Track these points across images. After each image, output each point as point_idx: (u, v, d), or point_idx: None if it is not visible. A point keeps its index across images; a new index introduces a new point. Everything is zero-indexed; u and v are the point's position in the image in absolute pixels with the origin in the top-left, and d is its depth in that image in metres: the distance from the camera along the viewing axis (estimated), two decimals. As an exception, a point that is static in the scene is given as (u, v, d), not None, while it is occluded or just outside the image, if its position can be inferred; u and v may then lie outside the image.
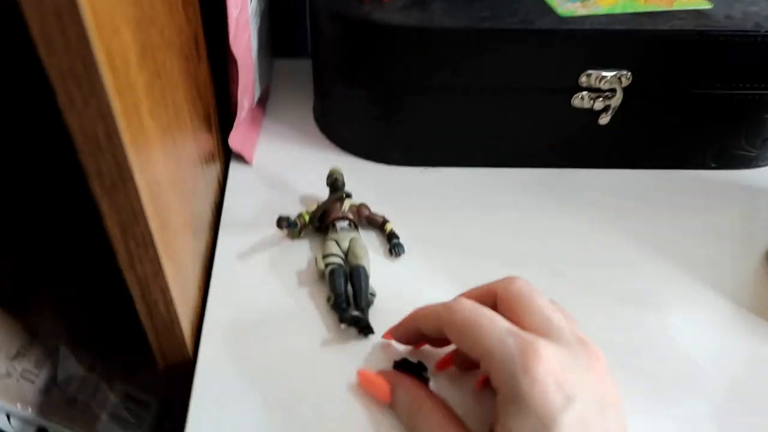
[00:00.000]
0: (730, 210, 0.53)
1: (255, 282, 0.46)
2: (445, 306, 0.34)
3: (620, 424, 0.31)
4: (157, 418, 0.53)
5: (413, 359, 0.40)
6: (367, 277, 0.44)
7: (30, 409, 0.46)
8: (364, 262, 0.44)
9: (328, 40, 0.52)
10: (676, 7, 0.50)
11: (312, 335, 0.43)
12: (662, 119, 0.53)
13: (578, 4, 0.50)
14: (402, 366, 0.40)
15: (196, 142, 0.45)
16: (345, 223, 0.48)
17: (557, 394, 0.29)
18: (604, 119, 0.52)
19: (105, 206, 0.32)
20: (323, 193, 0.51)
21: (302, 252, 0.48)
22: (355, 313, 0.42)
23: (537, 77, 0.50)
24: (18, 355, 0.48)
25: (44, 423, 0.47)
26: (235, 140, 0.54)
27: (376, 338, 0.42)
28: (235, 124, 0.53)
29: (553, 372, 0.29)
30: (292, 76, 0.68)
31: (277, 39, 0.68)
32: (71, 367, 0.50)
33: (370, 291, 0.44)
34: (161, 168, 0.35)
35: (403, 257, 0.48)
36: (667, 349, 0.42)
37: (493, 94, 0.51)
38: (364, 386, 0.38)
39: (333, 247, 0.46)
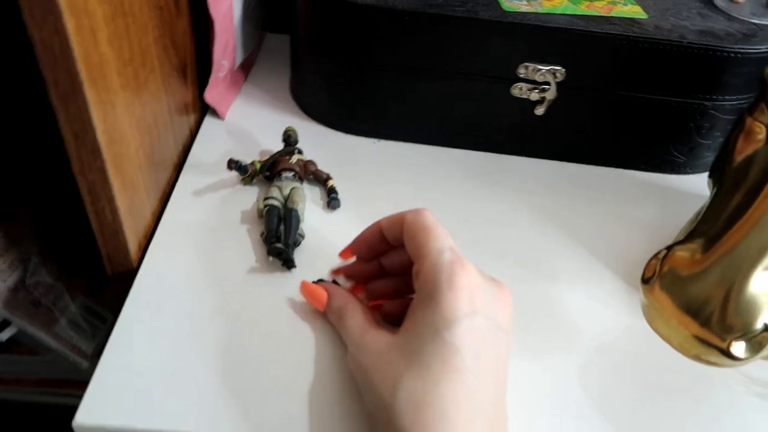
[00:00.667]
0: (647, 208, 0.57)
1: (204, 215, 0.52)
2: (412, 211, 0.39)
3: (506, 349, 0.36)
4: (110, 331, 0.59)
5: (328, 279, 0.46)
6: (298, 220, 0.49)
7: (-3, 304, 0.53)
8: (298, 208, 0.50)
9: (299, 13, 0.58)
10: (613, 14, 0.55)
11: (244, 263, 0.49)
12: (595, 117, 0.58)
13: (524, 2, 0.55)
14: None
15: (166, 86, 0.51)
16: (290, 174, 0.54)
17: (466, 303, 0.34)
18: (539, 110, 0.57)
19: (61, 115, 0.38)
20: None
21: (250, 196, 0.54)
22: (279, 245, 0.47)
23: (480, 65, 0.55)
24: (-6, 257, 0.55)
25: (8, 316, 0.53)
26: (210, 95, 0.60)
27: (297, 272, 0.48)
28: (210, 80, 0.59)
29: (470, 287, 0.35)
30: (280, 50, 0.74)
31: (270, 13, 0.74)
32: (40, 274, 0.56)
33: (299, 233, 0.49)
34: (117, 93, 0.42)
35: (338, 211, 0.54)
36: (563, 315, 0.47)
37: (443, 77, 0.56)
38: (304, 294, 0.44)
39: (274, 192, 0.51)
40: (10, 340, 0.54)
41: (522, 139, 0.60)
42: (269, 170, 0.54)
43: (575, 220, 0.55)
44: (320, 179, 0.55)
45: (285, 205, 0.51)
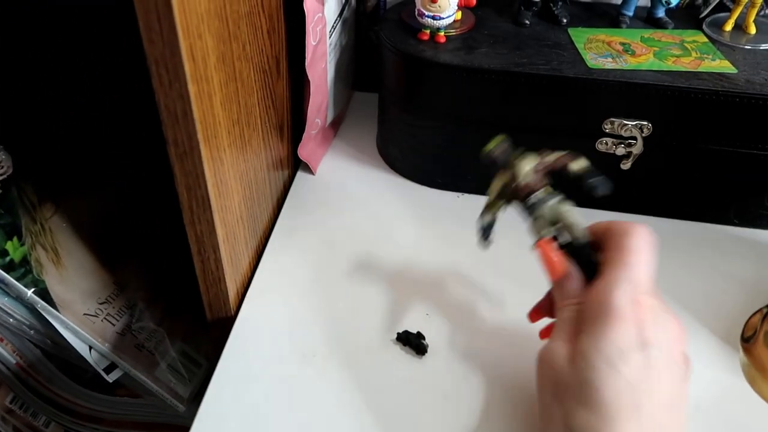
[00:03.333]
0: (742, 264, 0.56)
1: (296, 266, 0.54)
2: (633, 225, 0.39)
3: (682, 382, 0.35)
4: (205, 378, 0.62)
5: (413, 330, 0.47)
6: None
7: (107, 345, 0.56)
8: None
9: (389, 71, 0.61)
10: (701, 69, 0.55)
11: (332, 311, 0.50)
12: (684, 171, 0.57)
13: (609, 59, 0.56)
14: (402, 338, 0.47)
15: (265, 143, 0.55)
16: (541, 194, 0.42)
17: (634, 335, 0.34)
18: (625, 165, 0.57)
19: (177, 170, 0.42)
20: (375, 206, 0.59)
21: (335, 241, 0.57)
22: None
23: (565, 120, 0.56)
24: (106, 302, 0.59)
25: (115, 359, 0.57)
26: (303, 151, 0.64)
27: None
28: (303, 137, 0.62)
29: (638, 318, 0.34)
30: (368, 108, 0.77)
31: (359, 73, 0.78)
32: (145, 319, 0.60)
33: None
34: (226, 150, 0.45)
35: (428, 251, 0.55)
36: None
37: (525, 132, 0.57)
38: (543, 258, 0.40)
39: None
40: (115, 382, 0.58)
41: (609, 194, 0.60)
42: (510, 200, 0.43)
43: (669, 277, 0.54)
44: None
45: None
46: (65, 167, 0.65)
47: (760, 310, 0.37)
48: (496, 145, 0.44)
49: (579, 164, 0.42)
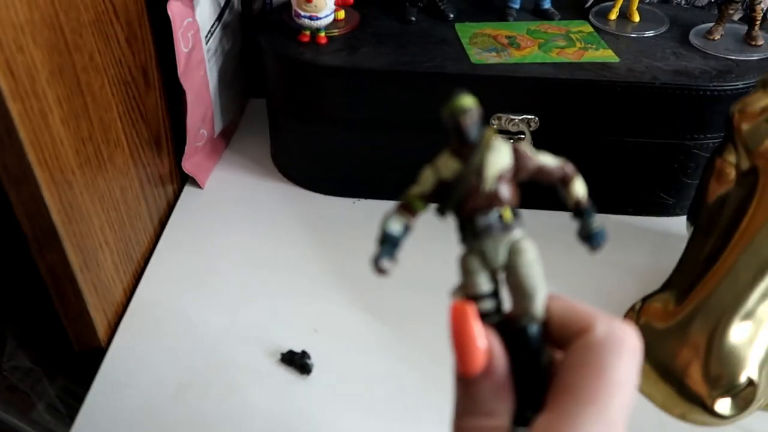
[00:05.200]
0: (636, 252, 0.55)
1: (175, 290, 0.51)
2: (617, 326, 0.23)
3: None
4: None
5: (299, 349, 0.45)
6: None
7: (-27, 390, 0.52)
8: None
9: (271, 76, 0.58)
10: (584, 59, 0.54)
11: (215, 342, 0.47)
12: (575, 164, 0.56)
13: (493, 53, 0.55)
14: (287, 358, 0.44)
15: (136, 159, 0.51)
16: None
17: None
18: (517, 160, 0.56)
19: (13, 197, 0.38)
20: (267, 220, 0.56)
21: (225, 270, 0.53)
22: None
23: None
24: (-28, 342, 0.54)
25: (-17, 403, 0.52)
26: (188, 164, 0.60)
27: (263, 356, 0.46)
28: (186, 149, 0.59)
29: None
30: (262, 115, 0.74)
31: (252, 79, 0.75)
32: (18, 358, 0.55)
33: None
34: (75, 172, 0.41)
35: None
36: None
37: (414, 132, 0.55)
38: (455, 329, 0.22)
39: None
40: (-13, 426, 0.53)
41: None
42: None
43: (562, 268, 0.53)
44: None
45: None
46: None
47: (632, 306, 0.36)
48: (469, 107, 0.23)
49: (583, 189, 0.26)
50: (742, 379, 0.32)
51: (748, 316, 0.32)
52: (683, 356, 0.32)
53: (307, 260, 0.54)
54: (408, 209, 0.24)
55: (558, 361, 0.23)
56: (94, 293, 0.44)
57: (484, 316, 0.23)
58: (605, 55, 0.55)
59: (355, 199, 0.61)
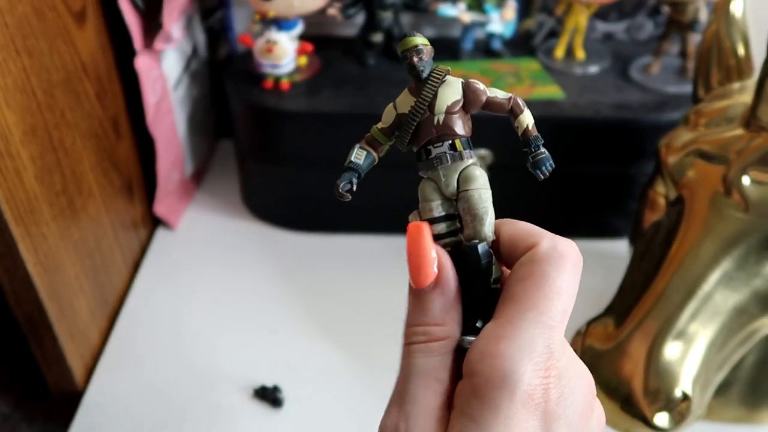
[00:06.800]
0: (589, 275, 0.58)
1: (152, 333, 0.53)
2: (559, 244, 0.25)
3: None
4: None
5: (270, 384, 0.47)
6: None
7: (-49, 439, 0.52)
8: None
9: (237, 121, 0.61)
10: (532, 96, 0.58)
11: (192, 382, 0.49)
12: (529, 195, 0.59)
13: (446, 94, 0.58)
14: (259, 393, 0.46)
15: (108, 207, 0.53)
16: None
17: (539, 426, 0.23)
18: (474, 192, 0.59)
19: (-12, 251, 0.40)
20: (239, 258, 0.58)
21: (196, 311, 0.55)
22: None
23: (409, 156, 0.57)
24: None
25: (-38, 452, 0.53)
26: (160, 207, 0.62)
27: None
28: (157, 194, 0.61)
29: (548, 399, 0.23)
30: (233, 156, 0.77)
31: (223, 122, 0.77)
32: (-4, 404, 0.56)
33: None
34: (49, 224, 0.43)
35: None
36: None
37: (375, 168, 0.58)
38: (411, 247, 0.24)
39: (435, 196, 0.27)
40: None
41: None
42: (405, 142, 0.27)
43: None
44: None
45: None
46: None
47: (578, 330, 0.39)
48: (420, 45, 0.27)
49: (530, 120, 0.28)
50: (678, 393, 0.34)
51: (680, 335, 0.35)
52: (624, 374, 0.35)
53: (278, 296, 0.56)
54: (371, 142, 0.28)
55: (507, 277, 0.25)
56: (70, 340, 0.46)
57: (438, 237, 0.25)
58: (551, 91, 0.58)
59: (325, 234, 0.63)
